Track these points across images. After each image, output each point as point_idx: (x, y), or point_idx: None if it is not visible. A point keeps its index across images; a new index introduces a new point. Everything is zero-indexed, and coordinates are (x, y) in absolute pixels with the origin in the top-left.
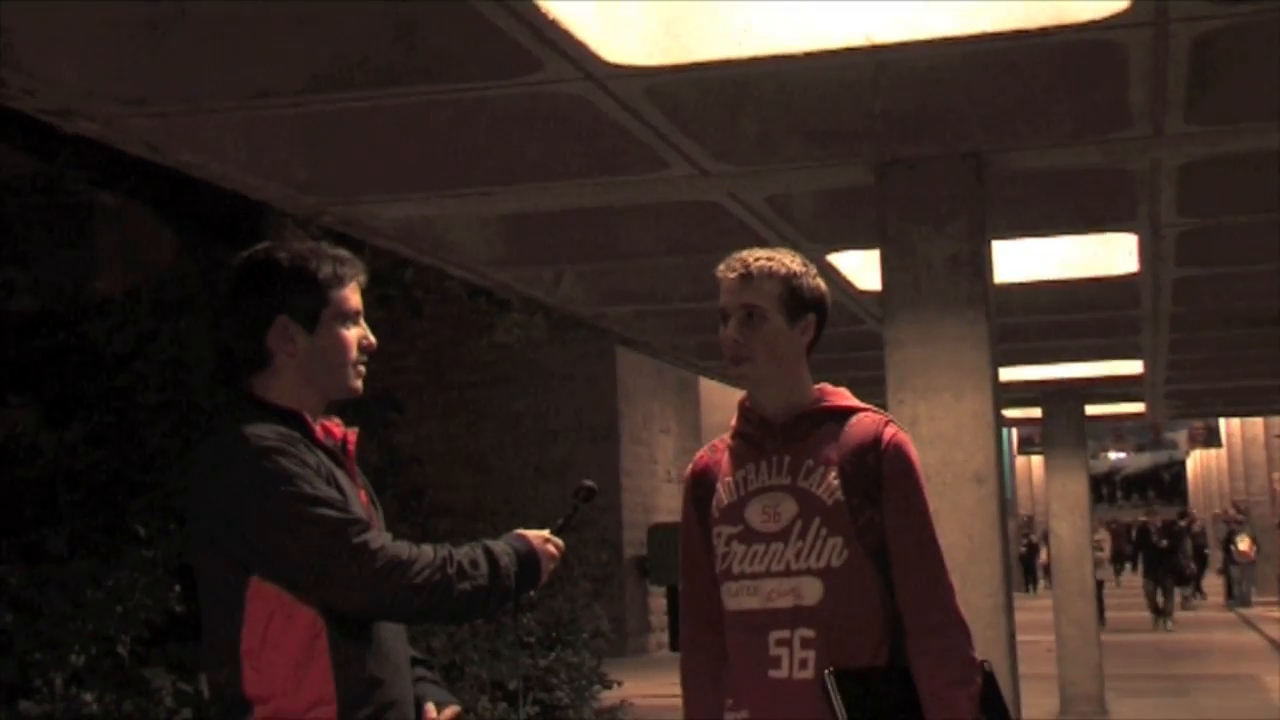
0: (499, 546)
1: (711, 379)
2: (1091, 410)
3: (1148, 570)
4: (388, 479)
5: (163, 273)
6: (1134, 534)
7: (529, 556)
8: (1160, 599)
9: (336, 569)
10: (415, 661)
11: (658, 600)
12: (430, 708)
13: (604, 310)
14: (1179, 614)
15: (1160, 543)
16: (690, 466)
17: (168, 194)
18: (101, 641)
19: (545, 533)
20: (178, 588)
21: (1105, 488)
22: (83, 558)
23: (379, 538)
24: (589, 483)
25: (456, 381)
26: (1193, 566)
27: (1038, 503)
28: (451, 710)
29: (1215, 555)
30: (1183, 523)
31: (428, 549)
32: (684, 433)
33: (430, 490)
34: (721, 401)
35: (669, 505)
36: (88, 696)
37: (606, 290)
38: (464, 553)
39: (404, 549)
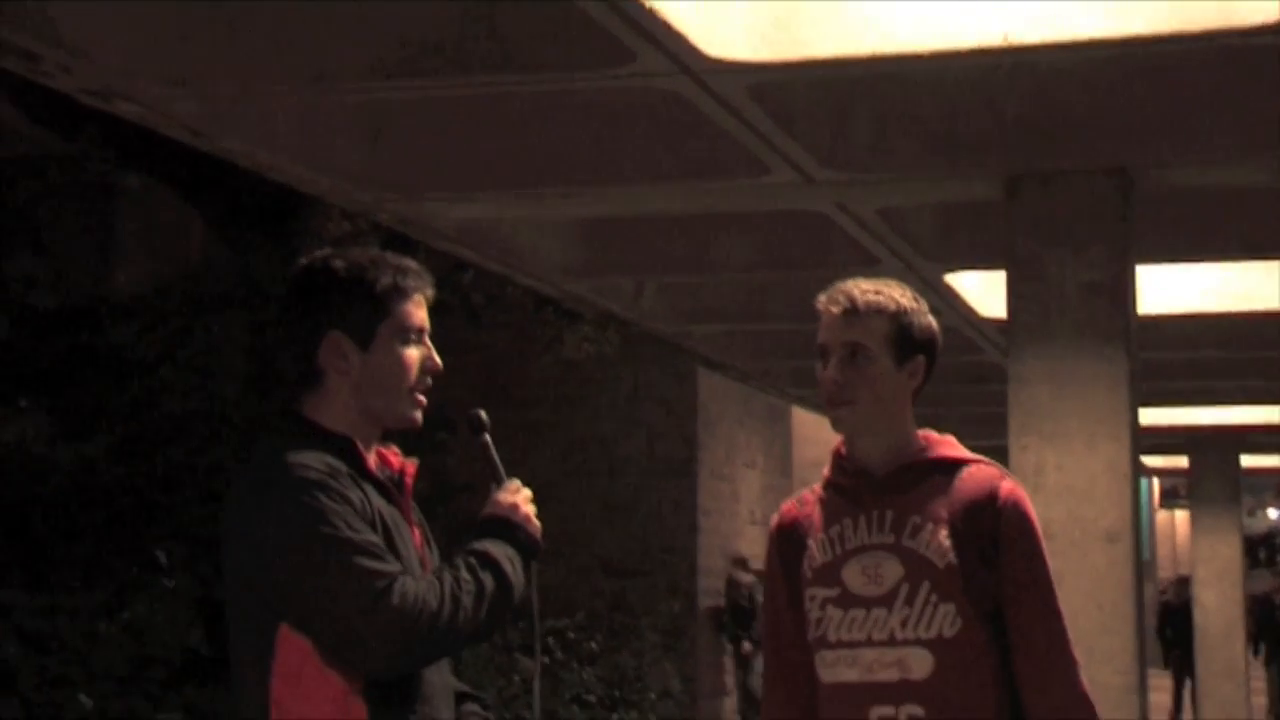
0: (482, 544)
1: (805, 409)
2: (1247, 461)
3: (1270, 657)
4: (437, 509)
5: (192, 266)
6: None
7: (507, 528)
8: None
9: (357, 629)
10: (466, 696)
11: None
12: None
13: (688, 328)
14: None
15: None
16: (776, 520)
17: (197, 177)
18: (115, 682)
19: (498, 495)
20: (200, 624)
21: (1264, 551)
22: (97, 587)
23: (401, 588)
24: (479, 412)
25: (515, 400)
26: None
27: (1181, 565)
28: None
29: None
30: None
31: (435, 583)
32: (772, 468)
33: None
34: (815, 435)
35: (752, 550)
36: None
37: (693, 306)
38: (462, 568)
39: (421, 592)
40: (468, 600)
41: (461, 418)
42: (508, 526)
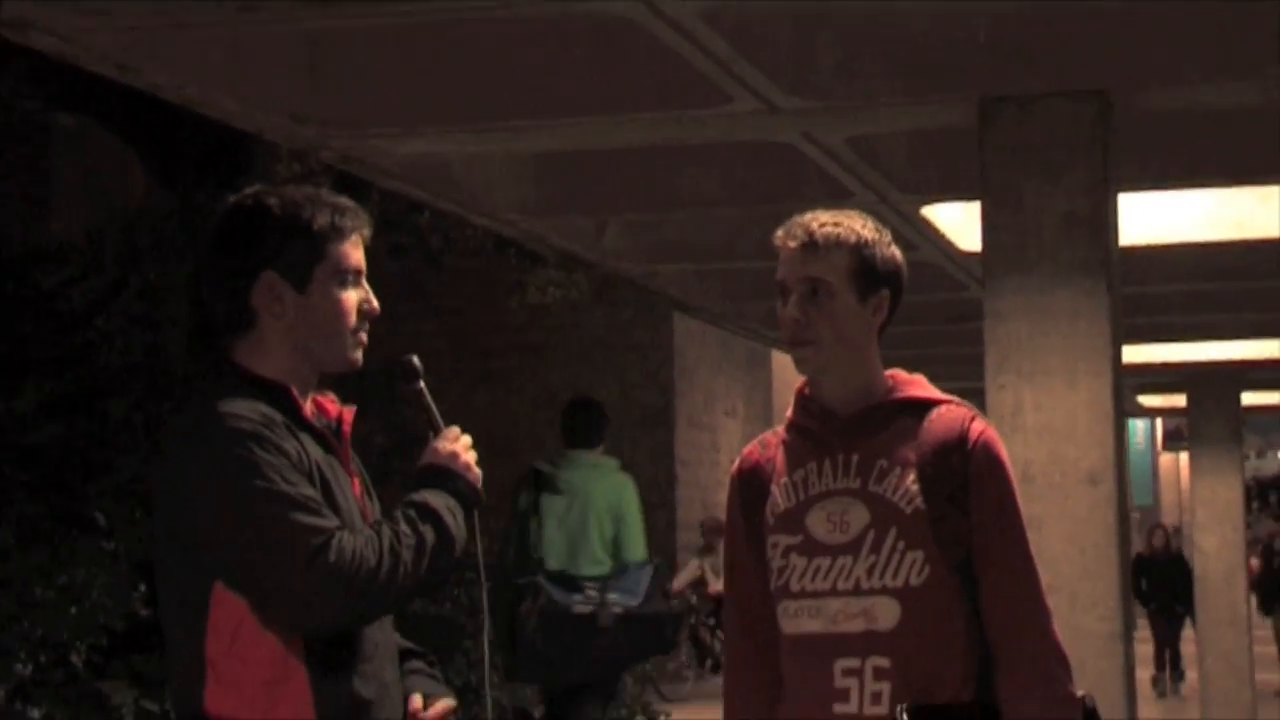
0: (421, 495)
1: (785, 353)
2: (1249, 399)
3: (1268, 604)
4: (394, 463)
5: (131, 211)
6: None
7: (447, 477)
8: None
9: (294, 587)
10: (409, 654)
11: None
12: (415, 699)
13: (655, 268)
14: None
15: None
16: (736, 465)
17: (137, 118)
18: (52, 649)
19: (436, 444)
20: (142, 587)
21: (1274, 494)
22: (32, 550)
23: (338, 544)
24: (411, 358)
25: (480, 348)
26: None
27: (1186, 511)
28: (443, 705)
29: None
30: None
31: (373, 537)
32: (752, 415)
33: None
34: (797, 379)
35: None
36: (35, 713)
37: (658, 245)
38: (401, 521)
39: (359, 547)
40: (408, 554)
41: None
42: (447, 476)
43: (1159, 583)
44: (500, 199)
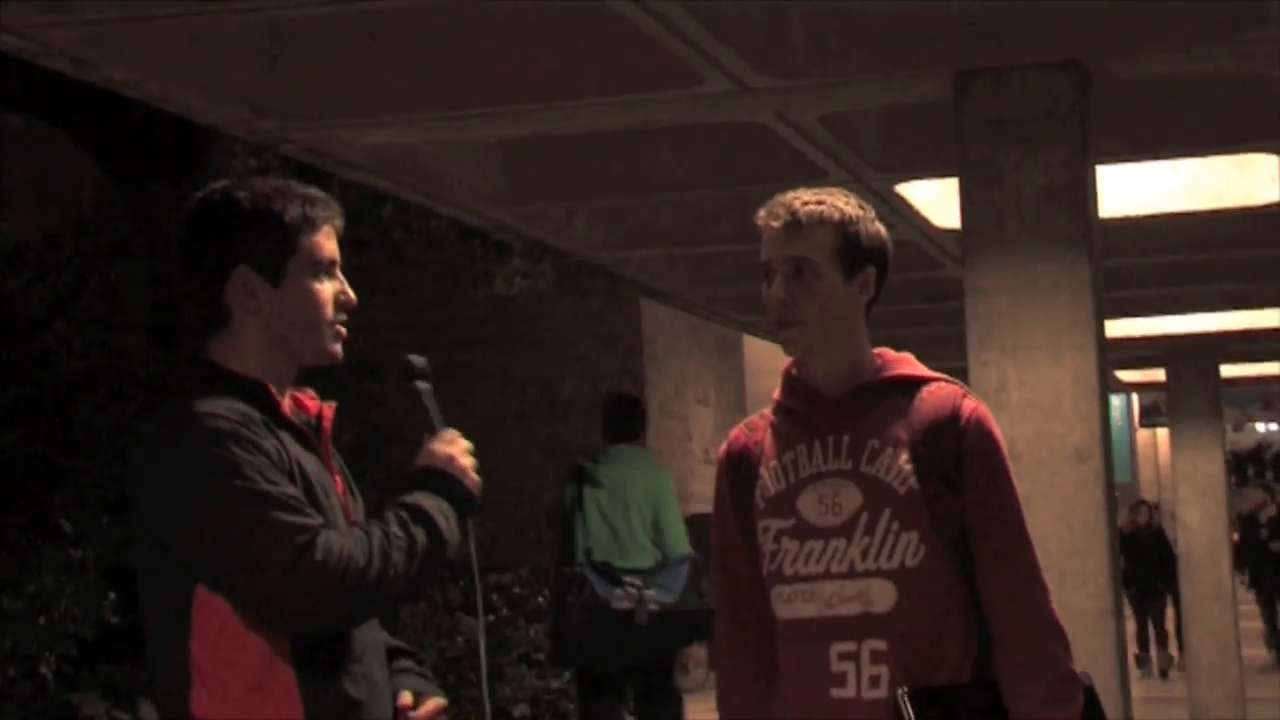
0: (414, 496)
1: (757, 337)
2: (1229, 371)
3: (1254, 580)
4: (364, 461)
5: (85, 211)
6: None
7: (443, 480)
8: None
9: (279, 588)
10: (398, 652)
11: None
12: (405, 696)
13: (625, 255)
14: None
15: (1270, 544)
16: (724, 448)
17: (85, 116)
18: (21, 660)
19: (433, 446)
20: (112, 595)
21: (1252, 467)
22: None
23: (324, 544)
24: (411, 358)
25: (446, 342)
26: None
27: (1164, 487)
28: (433, 703)
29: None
30: None
31: (363, 537)
32: (725, 403)
33: None
34: (769, 365)
35: (707, 491)
36: None
37: (628, 231)
38: (393, 522)
39: (346, 547)
40: (398, 556)
41: (391, 365)
42: (443, 479)
43: (1140, 560)
44: (467, 188)
